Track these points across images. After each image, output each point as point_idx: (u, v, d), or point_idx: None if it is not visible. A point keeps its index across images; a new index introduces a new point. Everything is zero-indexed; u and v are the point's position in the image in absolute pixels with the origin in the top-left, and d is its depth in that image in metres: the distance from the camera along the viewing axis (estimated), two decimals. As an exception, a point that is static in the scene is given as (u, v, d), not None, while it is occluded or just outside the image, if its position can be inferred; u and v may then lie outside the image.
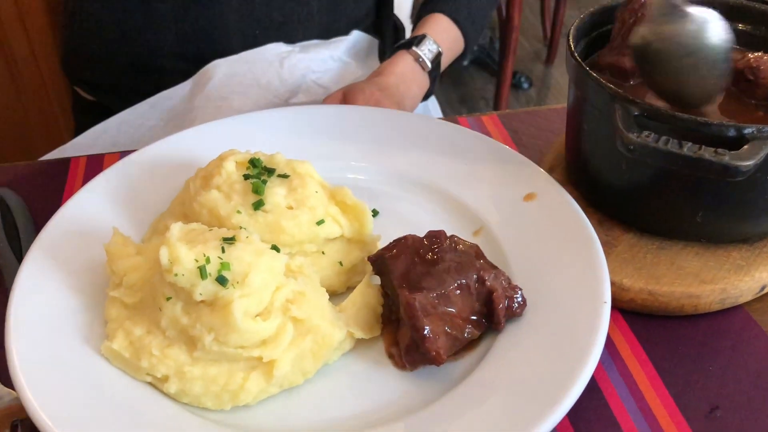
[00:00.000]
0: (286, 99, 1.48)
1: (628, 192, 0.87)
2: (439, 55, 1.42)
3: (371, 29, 1.73)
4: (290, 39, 1.50)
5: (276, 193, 0.79)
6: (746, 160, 0.70)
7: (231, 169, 0.81)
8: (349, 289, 0.81)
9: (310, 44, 1.52)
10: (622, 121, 0.75)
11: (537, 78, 3.93)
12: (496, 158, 0.95)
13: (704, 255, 0.85)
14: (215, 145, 0.92)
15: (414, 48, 1.40)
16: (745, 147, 0.71)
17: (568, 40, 0.88)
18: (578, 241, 0.81)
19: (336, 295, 0.81)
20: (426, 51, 1.41)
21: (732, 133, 0.73)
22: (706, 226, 0.84)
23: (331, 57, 1.55)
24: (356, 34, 1.59)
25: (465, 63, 3.98)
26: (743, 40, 0.95)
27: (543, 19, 4.07)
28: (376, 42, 1.65)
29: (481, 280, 0.73)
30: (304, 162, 0.84)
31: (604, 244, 0.85)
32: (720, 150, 0.71)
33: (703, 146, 0.71)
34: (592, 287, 0.75)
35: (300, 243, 0.78)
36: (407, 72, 1.38)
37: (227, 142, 0.92)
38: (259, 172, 0.81)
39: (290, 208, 0.79)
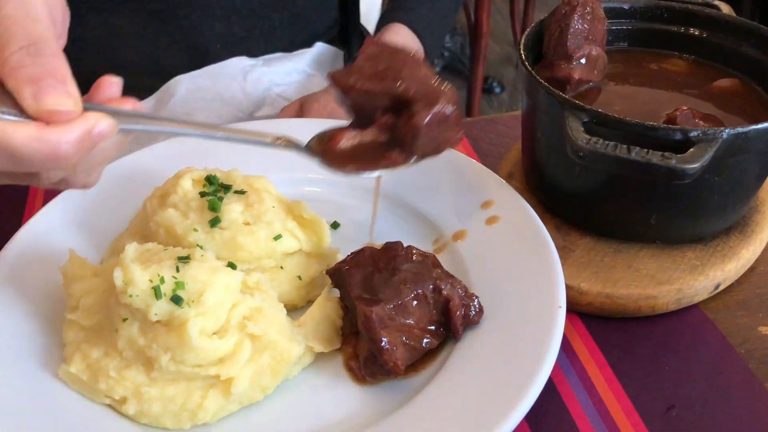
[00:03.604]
0: (251, 113, 1.48)
1: (583, 197, 0.88)
2: None
3: (337, 40, 1.74)
4: (253, 53, 1.50)
5: (232, 209, 0.79)
6: (692, 163, 0.71)
7: (187, 187, 0.81)
8: (309, 302, 0.81)
9: (274, 57, 1.53)
10: (571, 128, 0.76)
11: (509, 82, 3.96)
12: (454, 167, 0.95)
13: (660, 256, 0.86)
14: (174, 162, 0.91)
15: None
16: (691, 150, 0.73)
17: (520, 49, 0.90)
18: (534, 247, 0.82)
19: (296, 309, 0.81)
20: None
21: (678, 136, 0.74)
22: (661, 228, 0.85)
23: (295, 69, 1.55)
24: (320, 46, 1.59)
25: (437, 69, 4.00)
26: (694, 46, 0.97)
27: (513, 23, 4.10)
28: (341, 53, 1.66)
29: (437, 290, 0.74)
30: (260, 177, 0.84)
31: (561, 249, 0.86)
32: (667, 154, 0.72)
33: (651, 150, 0.72)
34: (547, 292, 0.76)
35: (258, 259, 0.78)
36: None
37: (186, 160, 0.92)
38: (215, 189, 0.81)
39: (247, 224, 0.79)
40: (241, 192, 0.82)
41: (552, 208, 0.92)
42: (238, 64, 1.48)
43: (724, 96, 0.93)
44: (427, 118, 0.73)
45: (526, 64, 0.87)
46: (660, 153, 0.72)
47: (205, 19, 1.43)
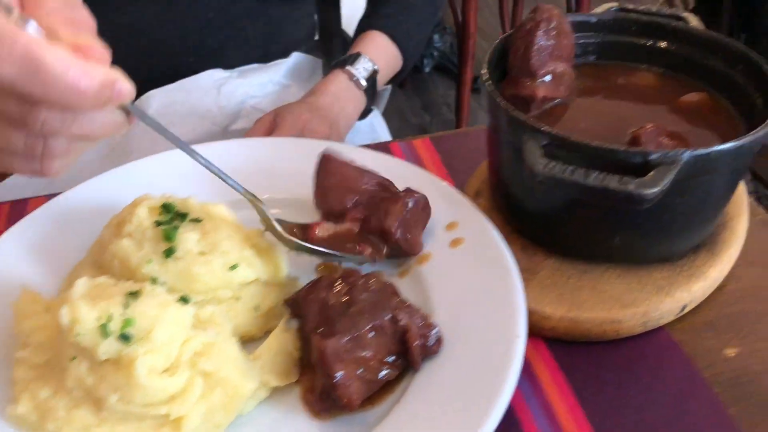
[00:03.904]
0: (226, 126, 1.47)
1: (546, 218, 0.87)
2: (374, 73, 1.42)
3: (315, 49, 1.73)
4: (228, 64, 1.49)
5: (188, 239, 0.78)
6: (651, 188, 0.70)
7: (143, 216, 0.80)
8: (268, 333, 0.80)
9: (249, 69, 1.51)
10: (529, 152, 0.75)
11: (498, 81, 3.93)
12: (419, 186, 0.93)
13: (627, 277, 0.85)
14: (138, 187, 0.90)
15: (348, 67, 1.40)
16: (651, 174, 0.71)
17: (484, 66, 0.88)
18: (496, 272, 0.81)
19: (255, 340, 0.80)
20: (361, 69, 1.41)
21: (638, 159, 0.73)
22: (626, 249, 0.84)
23: (270, 81, 1.54)
24: (297, 56, 1.58)
25: (427, 69, 3.98)
26: (662, 59, 0.96)
27: (502, 21, 4.07)
28: (319, 62, 1.64)
29: (395, 320, 0.73)
30: (217, 205, 0.82)
31: (526, 270, 0.85)
32: (625, 178, 0.70)
33: (608, 175, 0.71)
34: (507, 321, 0.75)
35: (214, 289, 0.77)
36: (341, 91, 1.38)
37: (150, 184, 0.90)
38: (171, 218, 0.80)
39: (203, 254, 0.78)
40: (197, 220, 0.80)
41: (518, 228, 0.91)
42: (212, 76, 1.47)
43: (692, 110, 0.91)
44: (402, 216, 0.83)
45: (488, 82, 0.85)
46: (618, 177, 0.71)
47: (177, 32, 1.42)
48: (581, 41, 0.97)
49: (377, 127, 1.70)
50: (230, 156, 1.01)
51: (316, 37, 2.03)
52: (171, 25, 1.41)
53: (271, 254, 0.81)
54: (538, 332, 0.82)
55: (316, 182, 0.88)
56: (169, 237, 0.77)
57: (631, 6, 0.99)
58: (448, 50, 3.97)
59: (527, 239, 0.90)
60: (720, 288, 0.88)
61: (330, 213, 0.86)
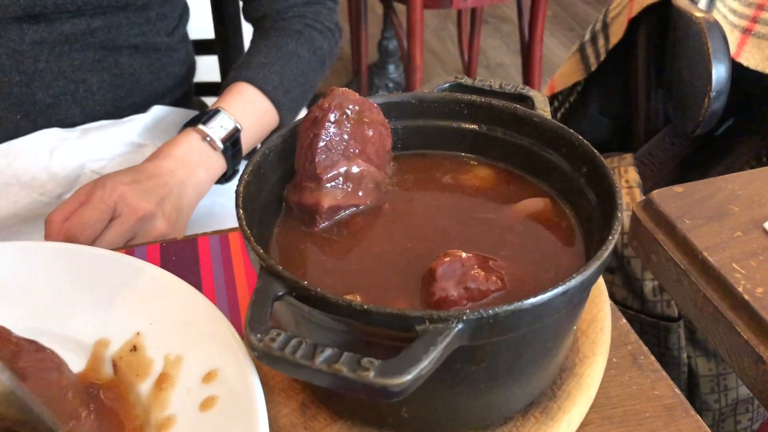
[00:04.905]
0: (59, 195, 1.26)
1: (320, 376, 0.66)
2: (236, 131, 1.22)
3: (188, 99, 1.53)
4: (66, 122, 1.28)
5: None
6: (400, 375, 0.49)
7: None
8: None
9: (95, 127, 1.31)
10: (253, 307, 0.54)
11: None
12: (182, 313, 0.73)
13: (427, 452, 0.64)
14: None
15: (201, 125, 1.20)
16: (404, 352, 0.50)
17: (249, 165, 0.68)
18: (239, 456, 0.60)
19: None
20: (216, 128, 1.21)
21: (401, 325, 0.52)
22: (421, 421, 0.63)
23: (120, 140, 1.33)
24: (158, 110, 1.38)
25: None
26: (499, 151, 0.76)
27: (461, 50, 3.88)
28: (191, 114, 1.43)
29: None
30: None
31: (297, 442, 0.64)
32: (365, 362, 0.49)
33: (344, 357, 0.50)
34: None
35: None
36: (190, 153, 1.18)
37: None
38: None
39: None
40: None
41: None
42: (45, 137, 1.27)
43: (530, 221, 0.71)
44: None
45: (240, 192, 0.64)
46: (357, 361, 0.50)
47: (-3, 85, 1.21)
48: (401, 127, 0.77)
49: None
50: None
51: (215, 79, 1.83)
52: (-11, 77, 1.21)
53: None
54: None
55: None
56: None
57: (469, 82, 0.78)
58: (404, 82, 3.79)
59: (310, 394, 0.69)
60: (557, 462, 0.67)
61: None
